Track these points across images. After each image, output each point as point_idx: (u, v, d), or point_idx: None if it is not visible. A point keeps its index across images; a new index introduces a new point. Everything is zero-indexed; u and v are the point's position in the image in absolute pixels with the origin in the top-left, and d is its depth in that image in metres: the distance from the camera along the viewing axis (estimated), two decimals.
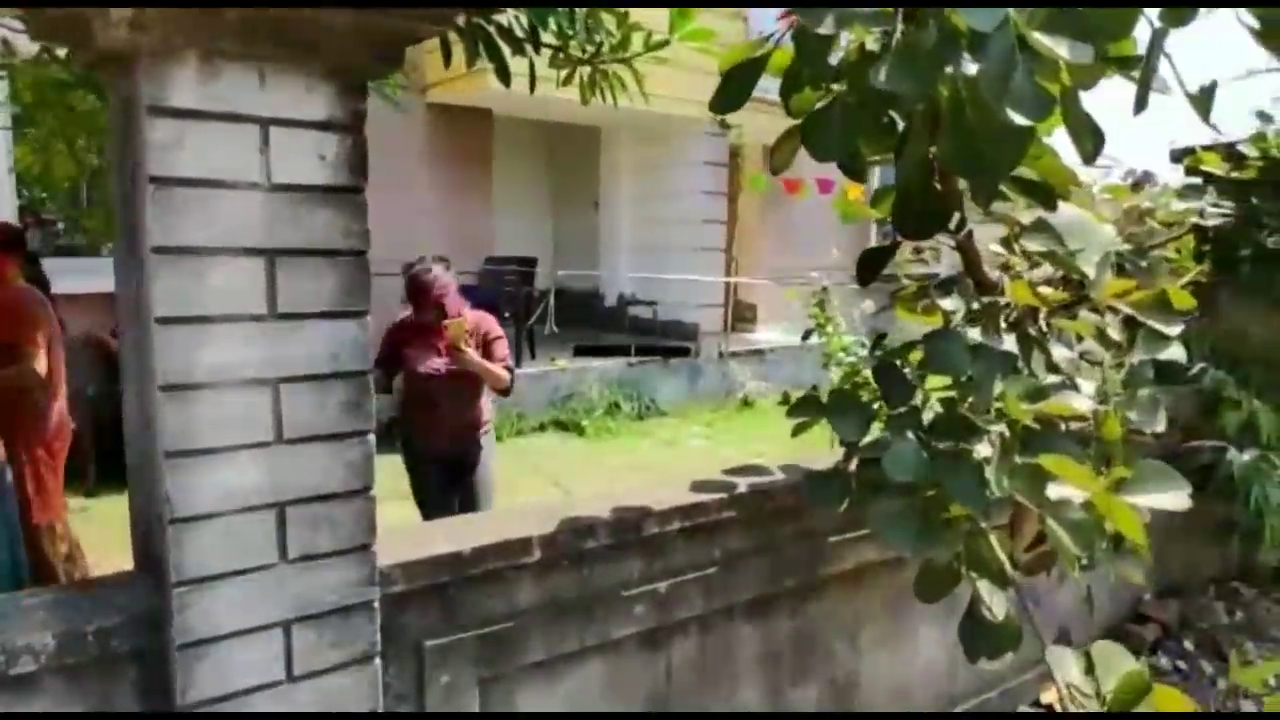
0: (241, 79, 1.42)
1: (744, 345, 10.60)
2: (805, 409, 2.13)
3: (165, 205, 1.37)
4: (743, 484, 2.30)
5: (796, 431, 2.21)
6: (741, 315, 11.77)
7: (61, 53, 2.89)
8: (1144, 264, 2.74)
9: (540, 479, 6.73)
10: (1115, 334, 2.29)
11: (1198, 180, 3.60)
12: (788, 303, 7.63)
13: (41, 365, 3.44)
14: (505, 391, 3.89)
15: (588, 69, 3.37)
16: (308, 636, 1.53)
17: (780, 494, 2.32)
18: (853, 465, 2.10)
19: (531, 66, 2.89)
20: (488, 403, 4.00)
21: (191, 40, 1.35)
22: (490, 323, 3.97)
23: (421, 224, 8.96)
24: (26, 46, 2.89)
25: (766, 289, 11.27)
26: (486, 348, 3.86)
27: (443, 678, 1.79)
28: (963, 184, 2.07)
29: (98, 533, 4.23)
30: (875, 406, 2.14)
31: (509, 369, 3.87)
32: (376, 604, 1.61)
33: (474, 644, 1.83)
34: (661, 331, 10.15)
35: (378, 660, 1.62)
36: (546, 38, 2.77)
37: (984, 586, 1.96)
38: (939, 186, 2.02)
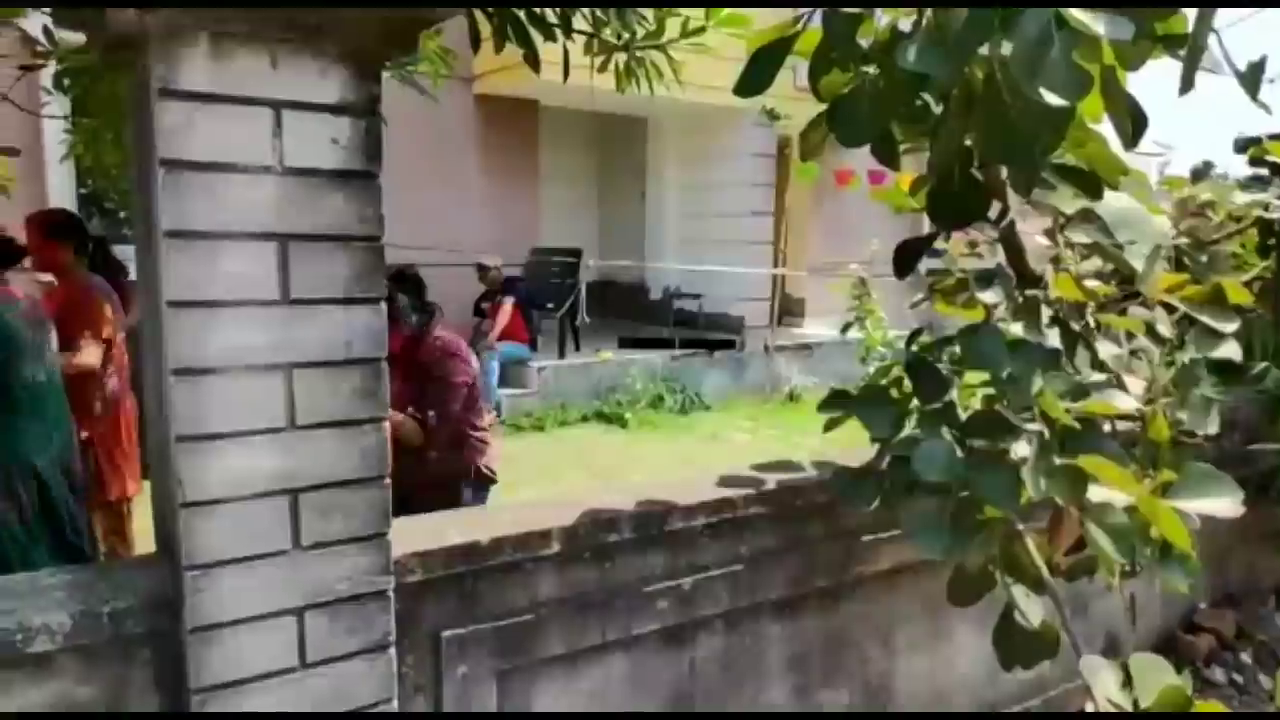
0: (253, 61, 1.40)
1: (791, 339, 10.49)
2: (835, 404, 2.07)
3: (176, 189, 1.36)
4: (772, 480, 2.24)
5: (828, 427, 2.15)
6: (789, 309, 11.65)
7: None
8: (1204, 258, 2.61)
9: (582, 471, 6.73)
10: (1166, 330, 2.19)
11: (1264, 171, 3.43)
12: (836, 296, 7.51)
13: (93, 357, 3.53)
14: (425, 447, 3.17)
15: (624, 56, 3.33)
16: (321, 624, 1.52)
17: (811, 491, 2.27)
18: (885, 463, 2.03)
19: (565, 53, 2.86)
20: (470, 451, 3.39)
21: (201, 22, 1.34)
22: (445, 348, 3.29)
23: (468, 215, 9.02)
24: (73, 35, 2.94)
25: (815, 282, 11.14)
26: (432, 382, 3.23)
27: (460, 669, 1.77)
28: (1004, 172, 1.99)
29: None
30: (909, 403, 2.07)
31: (444, 413, 3.19)
32: (391, 592, 1.59)
33: (492, 635, 1.81)
34: (706, 324, 10.08)
35: (392, 650, 1.60)
36: (579, 23, 2.74)
37: (1019, 592, 1.89)
38: (977, 174, 1.95)
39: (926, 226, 2.18)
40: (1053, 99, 1.40)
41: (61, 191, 6.67)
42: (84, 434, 3.58)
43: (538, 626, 1.87)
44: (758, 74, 1.84)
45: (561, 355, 8.60)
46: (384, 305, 1.56)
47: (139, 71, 1.42)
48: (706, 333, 9.80)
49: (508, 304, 7.99)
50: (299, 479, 1.49)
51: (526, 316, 8.29)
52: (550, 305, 8.73)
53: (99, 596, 1.45)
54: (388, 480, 1.58)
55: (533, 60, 2.49)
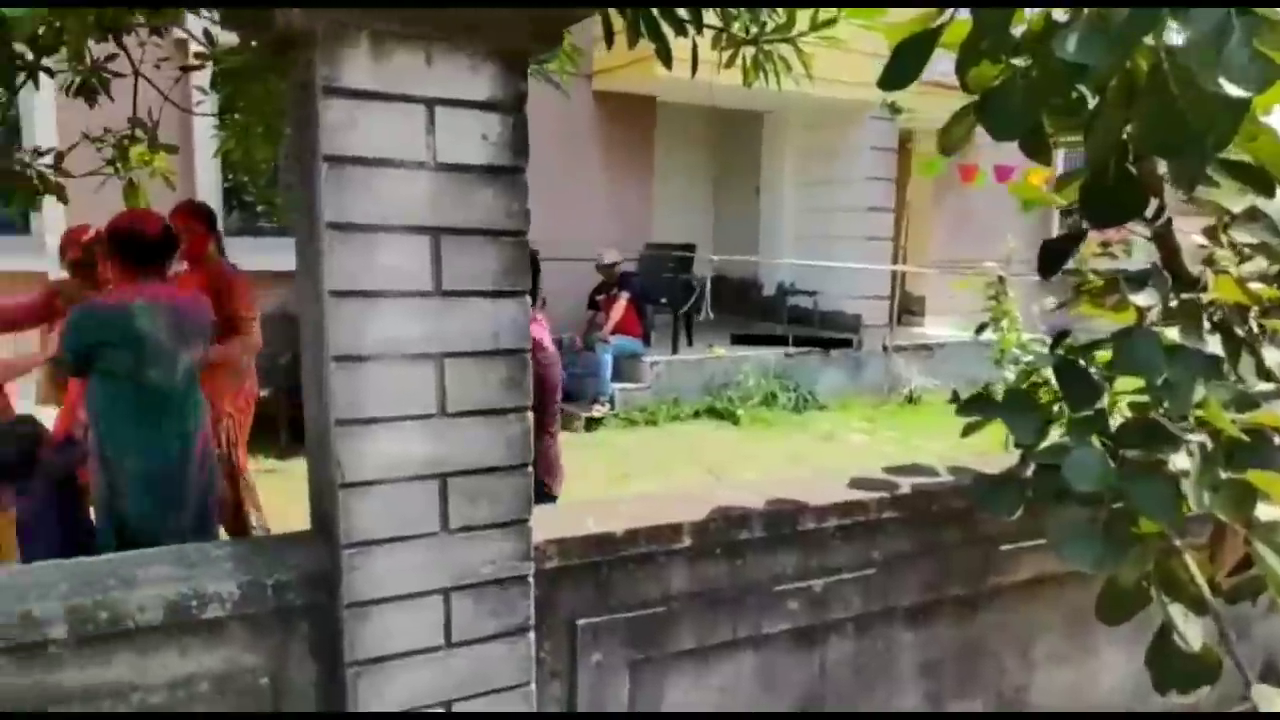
0: (410, 59, 1.45)
1: (910, 339, 10.22)
2: (976, 408, 2.00)
3: (338, 183, 1.43)
4: (906, 484, 2.19)
5: (967, 431, 2.08)
6: (908, 307, 11.35)
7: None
8: None
9: (694, 466, 6.73)
10: None
11: None
12: (958, 295, 7.27)
13: (258, 336, 3.74)
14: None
15: (751, 50, 3.31)
16: (466, 605, 1.57)
17: (947, 496, 2.20)
18: (1028, 471, 1.95)
19: (694, 49, 2.85)
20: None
21: (363, 22, 1.40)
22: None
23: (587, 210, 9.14)
24: (227, 37, 3.12)
25: (935, 281, 10.80)
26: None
27: (594, 656, 1.80)
28: (1162, 167, 1.88)
29: (283, 492, 4.55)
30: (1055, 409, 1.98)
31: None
32: (531, 578, 1.63)
33: (625, 626, 1.83)
34: (821, 322, 9.91)
35: (531, 634, 1.64)
36: (709, 18, 2.73)
37: (1177, 612, 1.78)
38: (1133, 169, 1.84)
39: (1056, 224, 2.07)
40: (1232, 90, 1.31)
41: (207, 185, 7.08)
42: (226, 412, 3.81)
43: (670, 619, 1.88)
44: (903, 67, 1.79)
45: (674, 350, 8.62)
46: (528, 298, 1.60)
47: (302, 71, 1.49)
48: (821, 330, 9.65)
49: (623, 299, 8.05)
50: (448, 464, 1.54)
51: (640, 311, 8.34)
52: (663, 300, 8.76)
53: (264, 569, 1.54)
54: (530, 468, 1.62)
55: (665, 55, 2.50)
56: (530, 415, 1.62)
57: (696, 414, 8.21)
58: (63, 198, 3.71)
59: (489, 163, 1.52)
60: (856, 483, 2.18)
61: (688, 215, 11.27)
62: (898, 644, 2.21)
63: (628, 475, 6.41)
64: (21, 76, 3.05)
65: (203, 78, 3.97)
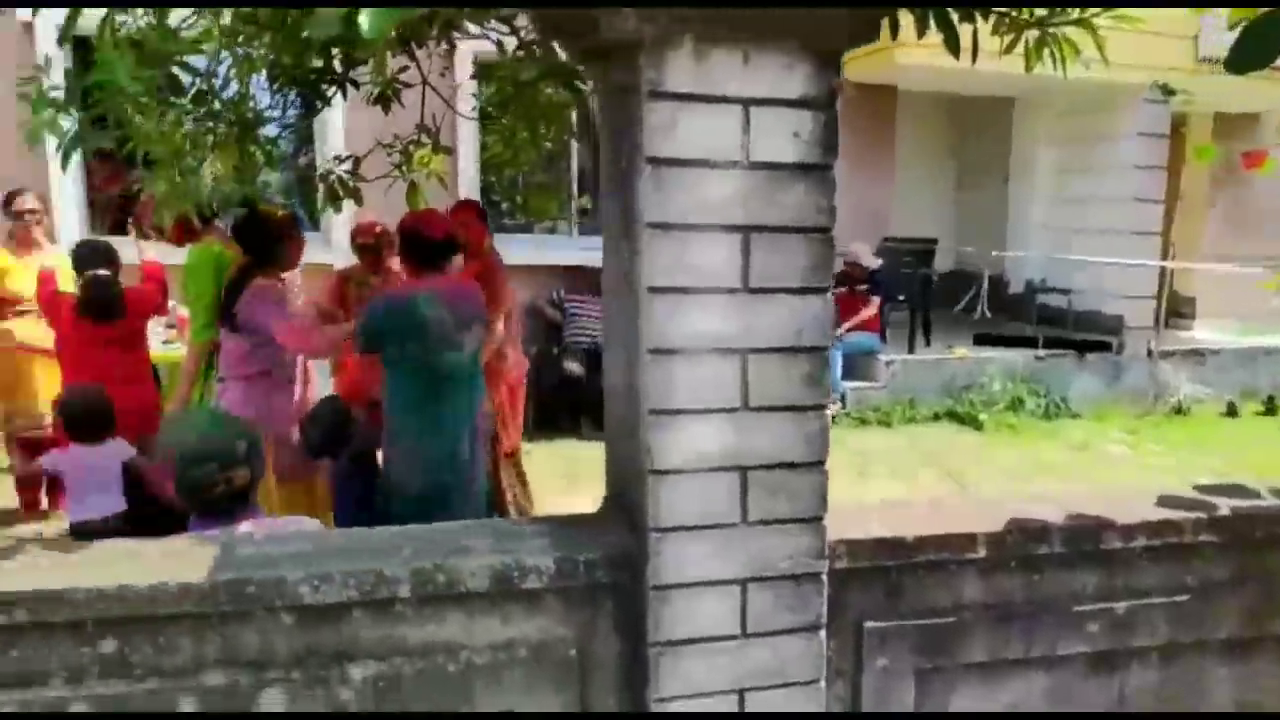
0: (728, 61, 1.49)
1: (1178, 343, 9.25)
2: None
3: (659, 184, 1.48)
4: (1223, 505, 1.98)
5: None
6: (1176, 308, 10.28)
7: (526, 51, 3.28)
8: None
9: (934, 470, 6.47)
10: None
11: None
12: (1236, 296, 6.48)
13: (499, 330, 4.00)
14: None
15: (1034, 33, 3.10)
16: (762, 597, 1.60)
17: (1273, 521, 1.97)
18: None
19: (974, 35, 2.72)
20: None
21: (688, 25, 1.45)
22: None
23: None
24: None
25: (1205, 280, 9.71)
26: None
27: (880, 661, 1.77)
28: None
29: (532, 471, 4.84)
30: None
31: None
32: (824, 576, 1.63)
33: (913, 633, 1.79)
34: (1075, 323, 9.16)
35: (823, 632, 1.64)
36: None
37: None
38: None
39: None
40: None
41: (468, 185, 7.62)
42: (495, 399, 4.09)
43: (959, 630, 1.81)
44: (1252, 48, 1.61)
45: (911, 349, 8.30)
46: (831, 295, 1.59)
47: (622, 75, 1.56)
48: (1075, 332, 8.92)
49: (874, 302, 7.78)
50: (749, 457, 1.57)
51: (879, 307, 8.08)
52: (900, 298, 8.45)
53: (574, 546, 1.63)
54: (827, 465, 1.62)
55: (953, 45, 2.39)
56: (828, 412, 1.61)
57: (935, 417, 7.86)
58: (358, 200, 4.14)
59: (800, 160, 1.53)
60: (1165, 500, 2.00)
61: (929, 207, 10.79)
62: (1211, 678, 2.00)
63: (864, 475, 6.26)
64: (332, 89, 3.42)
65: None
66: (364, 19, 1.42)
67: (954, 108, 10.84)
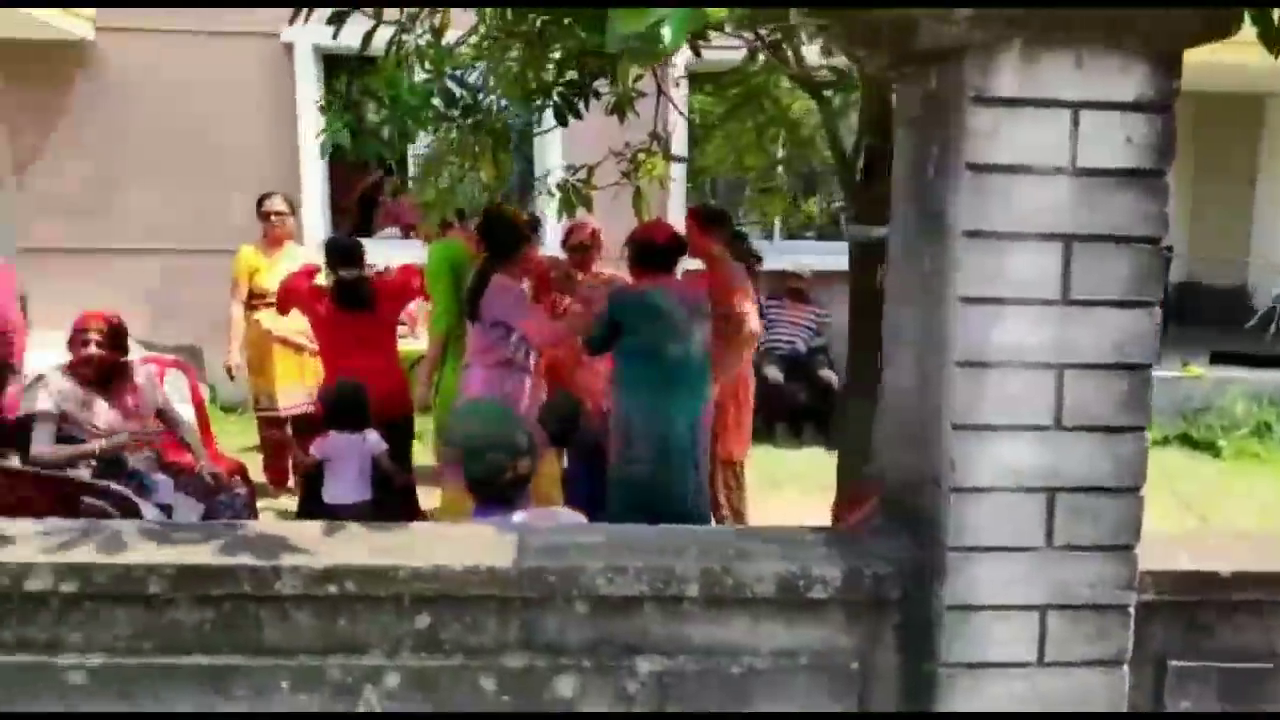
0: (1058, 64, 1.42)
1: None
2: None
3: (978, 191, 1.44)
4: None
5: None
6: None
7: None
8: None
9: (1167, 499, 5.94)
10: None
11: None
12: None
13: (754, 324, 3.98)
14: None
15: None
16: (1062, 625, 1.52)
17: None
18: None
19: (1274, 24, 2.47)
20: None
21: (1020, 29, 1.39)
22: None
23: None
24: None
25: None
26: None
27: (1183, 702, 1.64)
28: None
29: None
30: None
31: None
32: (1132, 608, 1.53)
33: (1219, 676, 1.65)
34: None
35: (1126, 667, 1.54)
36: None
37: None
38: None
39: None
40: None
41: (679, 191, 7.71)
42: (716, 398, 4.10)
43: (1275, 677, 1.65)
44: None
45: None
46: (1158, 309, 1.49)
47: (940, 81, 1.52)
48: None
49: None
50: (1058, 479, 1.50)
51: None
52: None
53: (860, 559, 1.61)
54: (1142, 492, 1.52)
55: (1270, 40, 2.18)
56: (1146, 436, 1.51)
57: (1165, 440, 7.21)
58: (589, 207, 4.28)
59: (1131, 166, 1.44)
60: None
61: None
62: None
63: None
64: (581, 100, 3.56)
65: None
66: (666, 29, 1.45)
67: (1190, 106, 9.93)
